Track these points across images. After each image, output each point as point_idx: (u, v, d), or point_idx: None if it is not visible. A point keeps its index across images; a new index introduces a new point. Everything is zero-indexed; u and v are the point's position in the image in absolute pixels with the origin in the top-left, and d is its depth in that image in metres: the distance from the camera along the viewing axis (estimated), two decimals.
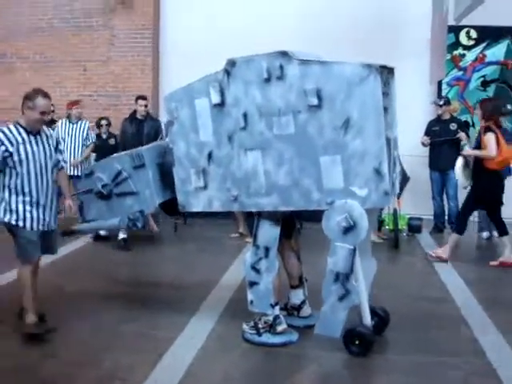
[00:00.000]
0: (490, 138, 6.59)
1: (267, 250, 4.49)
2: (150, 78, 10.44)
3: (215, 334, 4.76)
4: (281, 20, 9.66)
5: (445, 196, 8.97)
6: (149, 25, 10.43)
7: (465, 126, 9.02)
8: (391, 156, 4.26)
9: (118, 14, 10.44)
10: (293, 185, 4.27)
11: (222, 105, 4.43)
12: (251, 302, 4.59)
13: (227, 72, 4.37)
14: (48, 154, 4.74)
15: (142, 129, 8.16)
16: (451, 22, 8.38)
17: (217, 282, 6.13)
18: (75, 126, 8.82)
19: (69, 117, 8.89)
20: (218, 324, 4.95)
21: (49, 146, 4.77)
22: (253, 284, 4.56)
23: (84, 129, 8.83)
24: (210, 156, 4.55)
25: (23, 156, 4.58)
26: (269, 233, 4.49)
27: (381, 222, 8.36)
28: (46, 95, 4.66)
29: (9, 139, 4.55)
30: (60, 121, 8.96)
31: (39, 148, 4.68)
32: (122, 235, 7.74)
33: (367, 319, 4.41)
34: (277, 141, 4.27)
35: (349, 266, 4.18)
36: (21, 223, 4.63)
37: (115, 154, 5.48)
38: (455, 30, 9.52)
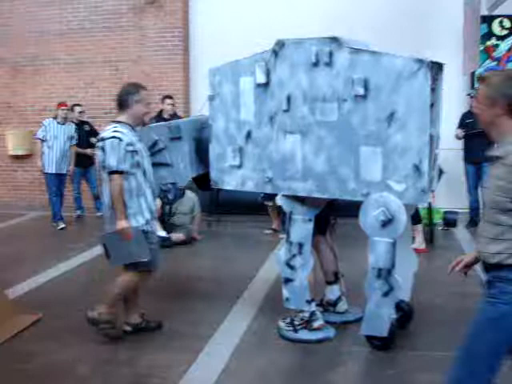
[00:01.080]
0: None
1: (301, 246, 4.47)
2: (181, 76, 10.48)
3: (251, 330, 4.76)
4: (308, 10, 9.62)
5: (480, 189, 8.83)
6: (178, 23, 10.46)
7: None
8: (432, 153, 4.20)
9: (148, 13, 10.50)
10: (329, 172, 4.24)
11: (266, 85, 4.41)
12: (287, 299, 4.58)
13: (275, 52, 4.34)
14: (146, 152, 4.62)
15: None
16: (483, 12, 8.23)
17: (252, 279, 6.13)
18: (62, 127, 9.16)
19: (56, 117, 9.20)
20: (254, 321, 4.95)
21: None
22: (288, 281, 4.54)
23: (70, 131, 9.25)
24: (248, 135, 4.55)
25: (139, 155, 4.45)
26: (301, 229, 4.46)
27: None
28: (144, 87, 4.59)
29: (130, 139, 4.38)
30: (47, 120, 9.23)
31: (142, 145, 4.56)
32: (161, 233, 7.78)
33: (392, 314, 4.34)
34: (318, 127, 4.25)
35: (390, 260, 4.14)
36: (149, 227, 4.52)
37: (153, 124, 5.50)
38: (488, 19, 9.33)
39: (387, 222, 4.08)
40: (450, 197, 9.03)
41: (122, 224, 4.30)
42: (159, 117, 8.76)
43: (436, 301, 5.37)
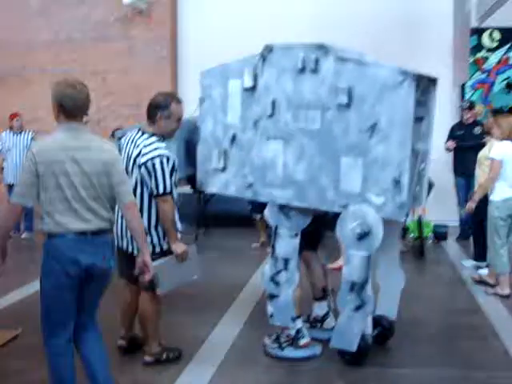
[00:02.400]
0: None
1: (286, 261, 4.35)
2: (169, 87, 10.38)
3: (236, 348, 4.63)
4: (297, 18, 9.61)
5: None
6: (166, 34, 10.41)
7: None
8: (417, 168, 4.11)
9: (136, 24, 10.43)
10: (309, 181, 4.16)
11: (253, 89, 4.35)
12: (271, 315, 4.46)
13: (263, 57, 4.29)
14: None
15: None
16: (473, 24, 8.20)
17: (238, 293, 6.01)
18: (19, 136, 9.48)
19: (11, 128, 9.50)
20: (238, 338, 4.82)
21: None
22: (273, 297, 4.42)
23: (27, 139, 9.47)
24: (233, 139, 4.48)
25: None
26: (288, 244, 4.35)
27: (405, 230, 8.17)
28: (179, 100, 4.24)
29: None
30: (4, 132, 9.57)
31: None
32: None
33: (367, 328, 4.26)
34: (300, 134, 4.17)
35: (364, 274, 4.04)
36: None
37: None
38: (478, 32, 9.33)
39: (363, 235, 3.98)
40: (440, 210, 8.94)
41: (181, 247, 4.07)
42: None
43: (421, 316, 5.28)
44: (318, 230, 4.81)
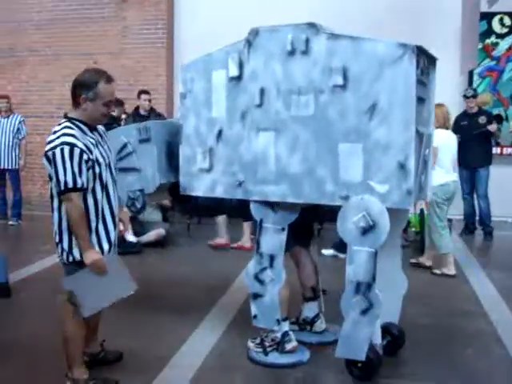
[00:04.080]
0: None
1: (272, 258, 3.98)
2: (164, 70, 10.02)
3: (217, 351, 4.26)
4: (300, 5, 9.15)
5: (475, 195, 8.39)
6: (162, 15, 10.02)
7: (496, 119, 8.40)
8: (422, 153, 3.71)
9: (131, 4, 10.03)
10: (306, 174, 3.78)
11: (239, 78, 3.97)
12: (255, 316, 4.08)
13: (249, 42, 3.90)
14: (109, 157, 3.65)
15: None
16: (483, 8, 7.77)
17: (225, 290, 5.64)
18: (6, 120, 9.10)
19: None
20: (221, 340, 4.46)
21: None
22: (257, 296, 4.05)
23: (15, 123, 9.12)
24: (219, 134, 4.10)
25: (102, 165, 3.50)
26: (273, 239, 3.98)
27: (406, 224, 7.80)
28: (109, 78, 3.51)
29: (86, 145, 3.42)
30: None
31: (102, 149, 3.57)
32: (130, 238, 7.30)
33: (377, 338, 3.85)
34: (293, 123, 3.79)
35: (370, 273, 3.63)
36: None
37: (123, 126, 5.05)
38: (487, 16, 8.91)
39: (368, 229, 3.59)
40: None
41: (91, 256, 3.39)
42: (136, 113, 8.53)
43: (425, 319, 4.90)
44: (309, 222, 4.44)
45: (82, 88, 3.42)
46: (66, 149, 3.29)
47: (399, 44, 3.47)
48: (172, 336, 4.50)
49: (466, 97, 8.17)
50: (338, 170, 3.68)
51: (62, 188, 3.31)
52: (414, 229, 7.82)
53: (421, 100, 3.66)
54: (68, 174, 3.29)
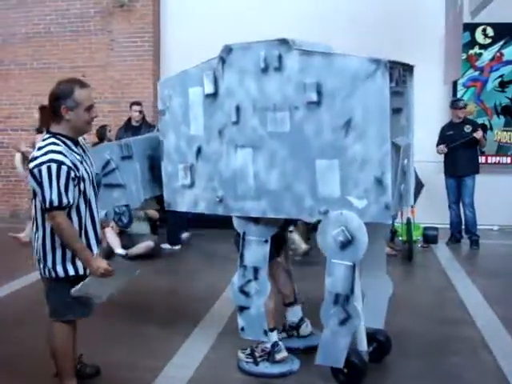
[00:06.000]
0: None
1: (256, 270, 4.01)
2: (151, 82, 10.03)
3: (208, 362, 4.28)
4: (285, 16, 9.29)
5: (461, 204, 8.45)
6: (148, 28, 10.06)
7: (481, 128, 8.50)
8: (400, 164, 3.76)
9: (117, 17, 10.08)
10: (284, 189, 3.81)
11: (214, 95, 4.00)
12: (242, 328, 4.11)
13: (222, 59, 3.92)
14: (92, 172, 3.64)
15: (137, 136, 7.81)
16: (467, 19, 7.87)
17: (215, 300, 5.65)
18: None
19: None
20: (212, 351, 4.47)
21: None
22: (243, 309, 4.08)
23: None
24: (198, 151, 4.14)
25: (87, 181, 3.50)
26: (257, 252, 4.00)
27: (393, 233, 7.87)
28: (83, 84, 3.50)
29: (73, 162, 3.40)
30: None
31: (86, 165, 3.56)
32: (119, 251, 7.31)
33: (362, 345, 3.92)
34: (270, 139, 3.82)
35: (349, 285, 3.69)
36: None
37: (106, 143, 5.10)
38: (471, 27, 9.02)
39: (346, 244, 3.63)
40: (430, 212, 8.63)
41: (97, 265, 3.40)
42: (128, 125, 8.66)
43: (409, 326, 4.92)
44: (282, 234, 4.46)
45: (59, 99, 3.40)
46: (54, 166, 3.29)
47: (371, 59, 3.49)
48: (162, 347, 4.51)
49: (456, 107, 8.21)
50: (316, 185, 3.72)
51: (48, 206, 3.30)
52: (401, 238, 7.87)
53: (397, 110, 3.70)
54: (54, 193, 3.28)
